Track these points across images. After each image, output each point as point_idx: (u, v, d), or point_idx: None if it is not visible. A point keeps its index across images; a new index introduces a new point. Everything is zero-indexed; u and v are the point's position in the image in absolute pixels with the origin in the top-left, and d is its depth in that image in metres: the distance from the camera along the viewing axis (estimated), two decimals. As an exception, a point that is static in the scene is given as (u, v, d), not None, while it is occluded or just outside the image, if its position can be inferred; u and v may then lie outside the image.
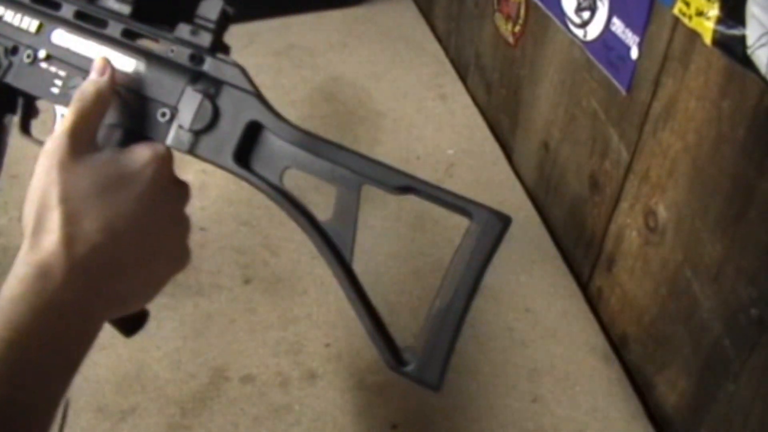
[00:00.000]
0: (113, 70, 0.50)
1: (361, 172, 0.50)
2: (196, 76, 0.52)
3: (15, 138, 0.59)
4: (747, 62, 0.50)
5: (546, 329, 0.78)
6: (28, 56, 0.55)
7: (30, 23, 0.55)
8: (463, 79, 1.19)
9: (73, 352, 0.43)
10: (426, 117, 1.08)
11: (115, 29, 0.54)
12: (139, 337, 0.73)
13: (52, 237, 0.42)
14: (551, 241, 0.89)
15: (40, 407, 0.41)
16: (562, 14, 0.80)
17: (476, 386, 0.71)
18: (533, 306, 0.80)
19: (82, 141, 0.46)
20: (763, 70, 0.49)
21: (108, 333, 0.73)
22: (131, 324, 0.53)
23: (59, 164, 0.44)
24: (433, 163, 0.99)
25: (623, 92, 0.70)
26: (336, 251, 0.51)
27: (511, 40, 0.99)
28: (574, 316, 0.80)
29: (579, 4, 0.75)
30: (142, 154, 0.48)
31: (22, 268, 0.42)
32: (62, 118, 0.53)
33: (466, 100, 1.14)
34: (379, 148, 1.00)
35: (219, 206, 0.89)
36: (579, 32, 0.76)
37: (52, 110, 0.56)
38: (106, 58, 0.51)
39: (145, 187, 0.47)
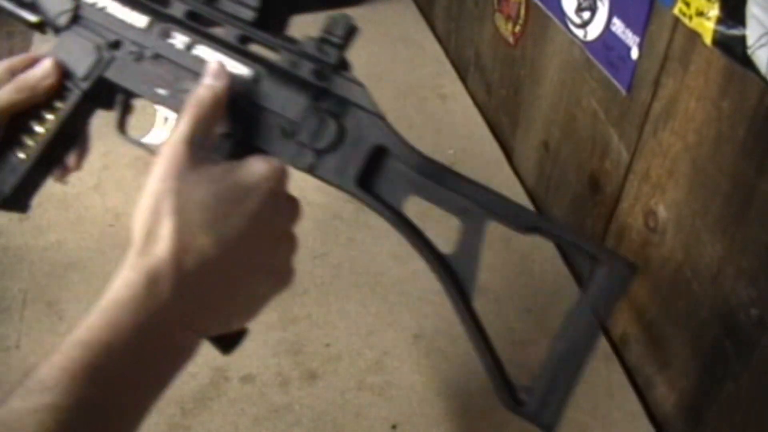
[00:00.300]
0: (230, 75, 0.48)
1: (488, 207, 0.48)
2: (320, 93, 0.49)
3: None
4: (747, 62, 0.50)
5: (547, 330, 0.78)
6: (133, 53, 0.53)
7: (138, 19, 0.53)
8: (463, 79, 1.19)
9: (168, 365, 0.41)
10: (426, 117, 1.08)
11: (231, 34, 0.51)
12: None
13: (162, 245, 0.41)
14: (552, 242, 0.89)
15: (126, 417, 0.39)
16: (562, 14, 0.80)
17: (476, 386, 0.71)
18: (534, 306, 0.80)
19: (198, 149, 0.44)
20: (763, 70, 0.49)
21: (108, 333, 0.74)
22: (230, 341, 0.49)
23: (176, 173, 0.43)
24: (433, 163, 0.99)
25: (623, 92, 0.70)
26: (458, 286, 0.49)
27: (511, 40, 0.99)
28: (574, 316, 0.80)
29: (579, 4, 0.75)
30: (259, 168, 0.45)
31: (130, 273, 0.40)
32: (173, 121, 0.51)
33: (466, 100, 1.15)
34: (379, 148, 1.00)
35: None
36: (579, 32, 0.76)
37: (156, 111, 0.54)
38: (221, 63, 0.49)
39: (259, 203, 0.45)
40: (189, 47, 0.52)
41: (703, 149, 0.59)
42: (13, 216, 0.87)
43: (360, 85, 0.49)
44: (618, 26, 0.68)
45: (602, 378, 0.73)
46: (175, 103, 0.51)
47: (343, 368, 0.72)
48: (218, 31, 0.52)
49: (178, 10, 0.52)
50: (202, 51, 0.52)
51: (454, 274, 0.49)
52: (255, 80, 0.50)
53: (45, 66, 0.52)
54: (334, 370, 0.72)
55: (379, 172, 0.49)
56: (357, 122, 0.49)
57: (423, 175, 0.49)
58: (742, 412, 0.58)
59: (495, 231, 0.98)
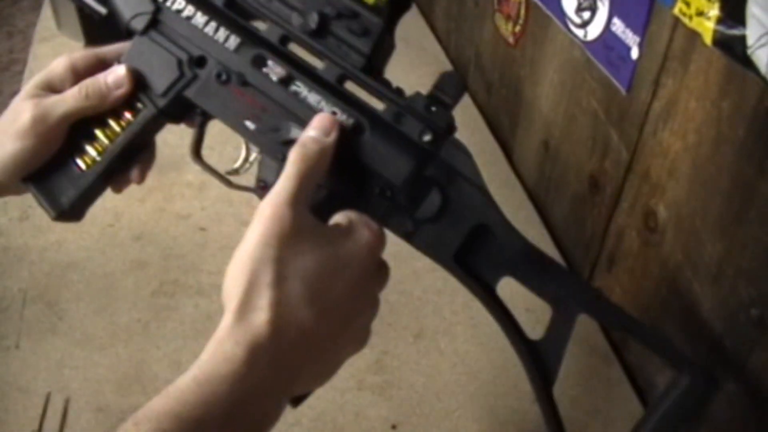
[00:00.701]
0: (339, 131, 0.45)
1: (582, 302, 0.47)
2: (427, 158, 0.45)
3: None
4: (747, 62, 0.50)
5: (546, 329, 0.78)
6: (220, 75, 0.47)
7: (228, 37, 0.47)
8: (463, 79, 1.20)
9: (256, 429, 0.41)
10: (426, 117, 1.08)
11: (332, 72, 0.46)
12: (139, 337, 0.73)
13: (262, 317, 0.39)
14: (551, 241, 0.89)
15: None
16: (562, 14, 0.80)
17: (476, 386, 0.71)
18: (533, 306, 0.79)
19: (303, 209, 0.42)
20: (763, 70, 0.49)
21: (108, 333, 0.74)
22: (302, 397, 0.48)
23: (279, 239, 0.40)
24: (433, 163, 0.99)
25: (623, 92, 0.70)
26: (542, 372, 0.48)
27: (511, 40, 0.99)
28: (574, 316, 0.80)
29: (579, 4, 0.75)
30: (362, 236, 0.43)
31: (231, 346, 0.38)
32: (258, 160, 0.48)
33: (466, 100, 1.14)
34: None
35: (219, 206, 0.89)
36: (579, 32, 0.76)
37: (244, 146, 0.50)
38: (333, 117, 0.45)
39: (358, 272, 0.43)
40: (285, 82, 0.47)
41: (703, 149, 0.59)
42: (13, 216, 0.87)
43: (466, 152, 0.46)
44: (618, 26, 0.68)
45: (602, 378, 0.73)
46: (263, 142, 0.47)
47: (343, 368, 0.72)
48: (317, 66, 0.47)
49: (273, 33, 0.47)
50: (300, 89, 0.46)
51: (539, 361, 0.48)
52: (356, 130, 0.46)
53: (118, 74, 0.48)
54: (334, 370, 0.72)
55: (477, 249, 0.47)
56: (461, 195, 0.46)
57: (522, 259, 0.47)
58: (742, 412, 0.58)
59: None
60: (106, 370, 0.70)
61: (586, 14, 0.74)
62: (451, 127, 0.46)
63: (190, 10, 0.48)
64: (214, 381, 0.38)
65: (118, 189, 0.54)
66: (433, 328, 0.77)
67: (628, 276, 0.74)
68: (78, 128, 0.49)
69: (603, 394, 0.72)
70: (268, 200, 0.42)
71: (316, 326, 0.41)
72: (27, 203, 0.88)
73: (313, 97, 0.46)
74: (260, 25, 0.48)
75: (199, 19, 0.48)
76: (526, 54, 0.95)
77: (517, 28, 0.96)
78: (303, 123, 0.46)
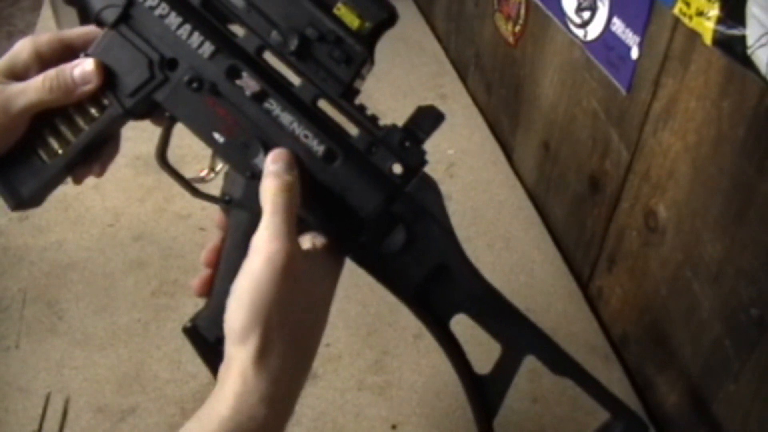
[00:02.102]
0: (299, 166, 0.45)
1: (531, 345, 0.49)
2: (396, 192, 0.45)
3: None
4: (747, 62, 0.50)
5: (546, 329, 0.77)
6: (192, 81, 0.45)
7: (203, 43, 0.45)
8: (463, 79, 1.19)
9: None
10: (426, 117, 1.08)
11: (308, 92, 0.45)
12: (139, 337, 0.73)
13: (279, 366, 0.41)
14: (551, 241, 0.89)
15: None
16: (562, 14, 0.80)
17: (476, 386, 0.71)
18: (533, 306, 0.80)
19: (297, 241, 0.43)
20: (763, 70, 0.49)
21: (108, 333, 0.74)
22: None
23: (285, 277, 0.41)
24: (433, 163, 0.98)
25: (623, 92, 0.70)
26: (485, 406, 0.49)
27: (511, 40, 0.99)
28: (574, 316, 0.80)
29: (579, 4, 0.75)
30: (334, 266, 0.47)
31: (257, 405, 0.39)
32: (225, 171, 0.48)
33: (466, 100, 1.15)
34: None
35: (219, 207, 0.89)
36: (579, 32, 0.76)
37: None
38: (291, 153, 0.44)
39: (330, 295, 0.47)
40: (259, 98, 0.45)
41: (703, 149, 0.59)
42: (13, 216, 0.87)
43: (436, 190, 0.46)
44: (618, 26, 0.68)
45: (602, 378, 0.73)
46: (231, 157, 0.46)
47: (343, 368, 0.72)
48: (293, 80, 0.46)
49: (250, 43, 0.45)
50: (273, 107, 0.45)
51: (484, 396, 0.49)
52: (328, 158, 0.45)
53: (86, 69, 0.45)
54: (334, 370, 0.72)
55: (435, 285, 0.47)
56: (427, 234, 0.46)
57: (478, 299, 0.48)
58: (742, 412, 0.58)
59: (496, 230, 0.98)
60: (106, 370, 0.70)
61: (586, 14, 0.74)
62: (422, 163, 0.46)
63: (164, 8, 0.45)
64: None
65: (78, 181, 0.52)
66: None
67: (628, 276, 0.74)
68: (41, 119, 0.47)
69: (603, 394, 0.72)
70: (268, 237, 0.42)
71: (312, 347, 0.44)
72: (27, 203, 0.88)
73: (286, 118, 0.45)
74: (238, 29, 0.47)
75: (173, 19, 0.45)
76: (526, 54, 0.94)
77: (517, 28, 0.96)
78: (273, 143, 0.45)
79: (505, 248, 0.86)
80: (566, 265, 0.86)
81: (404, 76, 1.18)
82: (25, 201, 0.49)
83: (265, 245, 0.41)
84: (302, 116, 0.45)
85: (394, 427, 0.67)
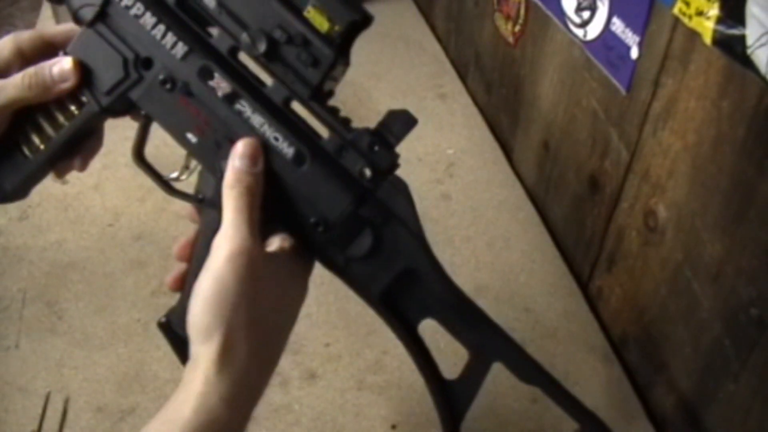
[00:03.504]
0: (265, 161, 0.45)
1: (499, 352, 0.49)
2: (365, 196, 0.45)
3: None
4: (747, 62, 0.50)
5: (546, 329, 0.78)
6: (166, 80, 0.45)
7: (176, 44, 0.45)
8: (463, 78, 1.19)
9: None
10: (426, 117, 1.08)
11: (279, 94, 0.45)
12: (139, 337, 0.73)
13: (242, 367, 0.41)
14: (551, 241, 0.89)
15: None
16: (562, 14, 0.80)
17: (476, 386, 0.71)
18: (533, 306, 0.80)
19: (260, 241, 0.44)
20: (762, 69, 0.49)
21: (108, 333, 0.74)
22: None
23: (249, 274, 0.41)
24: (433, 162, 0.99)
25: (623, 92, 0.70)
26: (451, 411, 0.49)
27: (511, 39, 0.99)
28: (574, 316, 0.80)
29: (579, 3, 0.75)
30: (302, 269, 0.47)
31: (217, 405, 0.39)
32: (199, 171, 0.49)
33: (466, 99, 1.14)
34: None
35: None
36: (579, 32, 0.76)
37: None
38: (258, 145, 0.44)
39: (297, 301, 0.47)
40: (230, 99, 0.45)
41: (702, 149, 0.59)
42: (13, 216, 0.87)
43: (407, 195, 0.46)
44: (618, 26, 0.68)
45: (602, 378, 0.73)
46: (203, 157, 0.47)
47: (343, 368, 0.72)
48: (266, 80, 0.46)
49: (223, 43, 0.46)
50: (245, 108, 0.45)
51: (450, 401, 0.49)
52: (297, 160, 0.45)
53: (64, 67, 0.46)
54: (333, 369, 0.72)
55: (403, 289, 0.47)
56: (395, 238, 0.46)
57: (447, 305, 0.48)
58: (742, 412, 0.58)
59: (496, 229, 0.98)
60: (106, 370, 0.70)
61: (586, 14, 0.74)
62: (392, 167, 0.46)
63: (139, 7, 0.46)
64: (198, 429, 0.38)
65: (60, 175, 0.53)
66: (432, 328, 0.76)
67: (628, 276, 0.74)
68: (23, 115, 0.48)
69: (603, 394, 0.72)
70: (228, 236, 0.42)
71: (277, 349, 0.45)
72: (27, 203, 0.88)
73: (257, 119, 0.45)
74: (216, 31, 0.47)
75: (148, 19, 0.46)
76: (526, 54, 0.94)
77: (517, 28, 0.96)
78: None
79: (504, 248, 0.86)
80: (566, 264, 0.86)
81: (404, 76, 1.18)
82: (8, 194, 0.50)
83: (225, 244, 0.42)
84: (273, 118, 0.45)
85: (393, 426, 0.67)
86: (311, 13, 0.44)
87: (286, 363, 0.72)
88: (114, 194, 0.90)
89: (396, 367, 0.73)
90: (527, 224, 0.91)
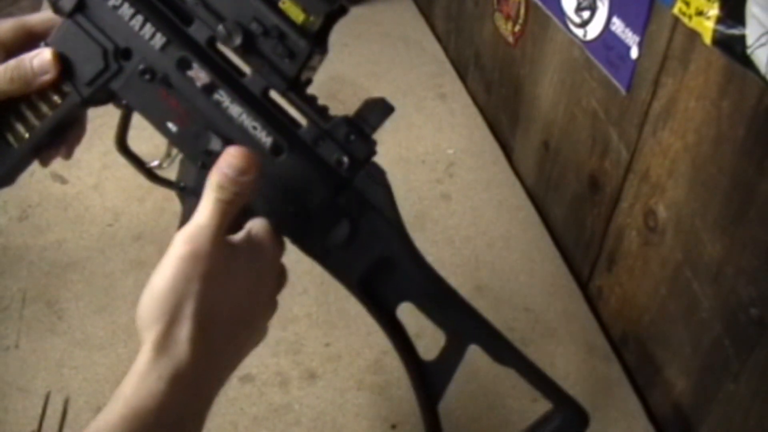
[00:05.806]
0: (259, 168, 0.44)
1: (475, 334, 0.50)
2: (342, 186, 0.46)
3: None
4: (747, 62, 0.50)
5: (546, 329, 0.78)
6: (145, 71, 0.46)
7: (154, 35, 0.46)
8: (463, 78, 1.19)
9: None
10: (426, 116, 1.08)
11: (257, 84, 0.46)
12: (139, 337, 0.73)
13: (183, 349, 0.41)
14: (551, 241, 0.89)
15: None
16: (562, 14, 0.80)
17: (476, 386, 0.71)
18: (533, 306, 0.80)
19: (223, 241, 0.44)
20: (762, 69, 0.49)
21: (108, 333, 0.74)
22: None
23: (202, 276, 0.42)
24: (433, 162, 0.99)
25: (623, 92, 0.70)
26: (428, 391, 0.51)
27: (511, 39, 0.99)
28: (574, 315, 0.80)
29: (579, 3, 0.75)
30: (268, 249, 0.46)
31: (155, 381, 0.40)
32: (180, 158, 0.49)
33: (466, 99, 1.14)
34: (378, 147, 1.00)
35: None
36: (579, 32, 0.76)
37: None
38: (254, 157, 0.43)
39: (266, 286, 0.47)
40: (209, 89, 0.46)
41: (702, 149, 0.59)
42: (13, 216, 0.87)
43: (385, 183, 0.47)
44: (618, 26, 0.68)
45: (602, 378, 0.73)
46: (184, 146, 0.47)
47: (343, 368, 0.72)
48: (244, 70, 0.47)
49: (201, 33, 0.46)
50: (223, 98, 0.46)
51: (427, 382, 0.51)
52: (274, 150, 0.46)
53: (44, 59, 0.47)
54: (333, 369, 0.72)
55: (380, 275, 0.48)
56: (372, 228, 0.47)
57: (424, 290, 0.49)
58: (741, 412, 0.58)
59: (497, 229, 0.98)
60: (106, 370, 0.70)
61: (586, 14, 0.74)
62: (369, 156, 0.47)
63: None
64: (142, 416, 0.39)
65: (45, 163, 0.53)
66: (432, 328, 0.77)
67: (628, 275, 0.74)
68: (6, 105, 0.48)
69: (603, 394, 0.72)
70: (190, 235, 0.43)
71: (232, 346, 0.45)
72: (27, 203, 0.88)
73: (235, 110, 0.46)
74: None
75: (126, 10, 0.46)
76: (526, 54, 0.94)
77: (517, 28, 0.96)
78: (223, 134, 0.46)
79: (504, 248, 0.86)
80: (566, 264, 0.86)
81: (404, 76, 1.18)
82: None
83: (183, 244, 0.43)
84: (251, 108, 0.46)
85: (393, 426, 0.67)
86: (287, 5, 0.44)
87: (286, 363, 0.72)
88: (114, 194, 0.90)
89: (396, 367, 0.72)
90: (527, 224, 0.91)
